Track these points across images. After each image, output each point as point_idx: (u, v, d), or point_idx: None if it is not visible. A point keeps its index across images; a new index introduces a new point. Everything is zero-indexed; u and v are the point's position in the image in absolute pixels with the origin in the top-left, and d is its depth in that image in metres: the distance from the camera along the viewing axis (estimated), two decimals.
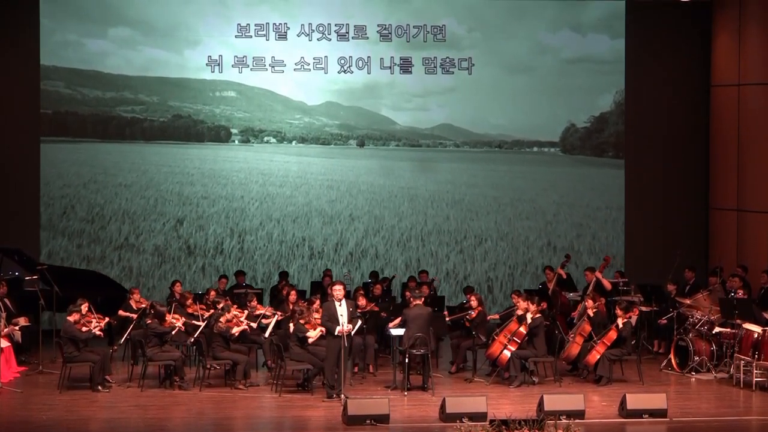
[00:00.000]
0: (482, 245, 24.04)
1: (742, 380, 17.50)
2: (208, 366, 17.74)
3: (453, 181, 24.17)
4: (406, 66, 23.45)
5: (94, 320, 17.79)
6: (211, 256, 23.58)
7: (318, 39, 23.27)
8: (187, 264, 23.35)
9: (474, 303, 18.60)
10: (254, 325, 18.60)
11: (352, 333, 17.02)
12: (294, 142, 23.78)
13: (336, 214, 23.90)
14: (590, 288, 19.35)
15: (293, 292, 19.34)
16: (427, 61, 23.48)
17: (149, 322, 17.74)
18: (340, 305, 16.71)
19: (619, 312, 18.00)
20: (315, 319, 17.44)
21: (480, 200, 24.17)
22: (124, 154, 23.54)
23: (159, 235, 23.53)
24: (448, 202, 24.16)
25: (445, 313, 19.28)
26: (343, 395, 16.27)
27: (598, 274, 19.61)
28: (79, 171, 23.41)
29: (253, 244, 23.64)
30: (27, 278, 20.02)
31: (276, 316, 18.86)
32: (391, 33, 23.36)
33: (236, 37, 23.16)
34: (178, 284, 20.08)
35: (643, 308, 19.93)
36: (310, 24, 23.24)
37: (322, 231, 23.76)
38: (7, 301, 19.09)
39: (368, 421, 15.04)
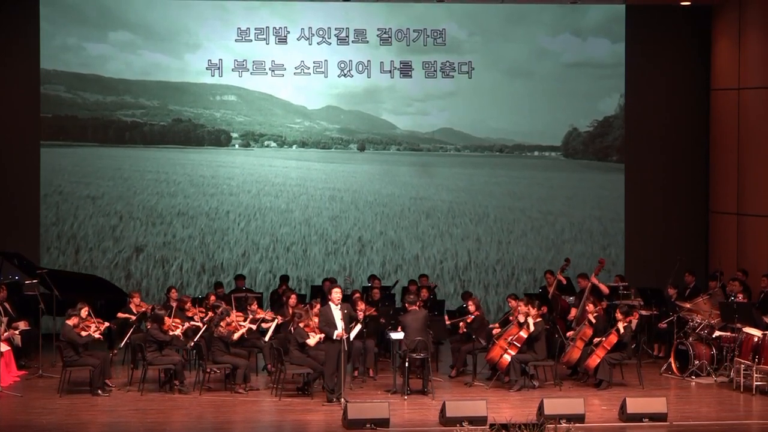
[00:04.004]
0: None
1: (742, 384, 17.49)
2: (208, 370, 17.75)
3: (467, 189, 23.67)
4: (406, 70, 23.45)
5: (93, 324, 17.80)
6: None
7: (318, 43, 23.27)
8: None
9: (472, 308, 18.61)
10: (254, 327, 18.58)
11: (352, 337, 17.03)
12: (294, 147, 23.74)
13: (341, 237, 22.76)
14: (585, 293, 19.29)
15: (293, 296, 19.34)
16: (427, 65, 23.47)
17: (149, 326, 17.75)
18: (338, 309, 16.73)
19: (619, 316, 17.99)
20: (314, 322, 17.45)
21: (507, 215, 23.43)
22: (114, 158, 23.08)
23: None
24: (472, 217, 23.24)
25: (446, 318, 19.27)
26: (343, 399, 16.26)
27: (594, 279, 19.58)
28: (51, 179, 22.64)
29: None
30: (27, 282, 20.03)
31: (276, 320, 18.86)
32: (391, 37, 23.36)
33: (236, 41, 23.16)
34: (173, 290, 19.96)
35: (644, 312, 19.92)
36: (310, 28, 23.23)
37: (325, 266, 22.58)
38: (7, 305, 19.10)
39: (368, 425, 15.04)
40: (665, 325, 19.74)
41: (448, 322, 19.06)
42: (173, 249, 22.68)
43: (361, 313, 18.23)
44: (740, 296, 19.15)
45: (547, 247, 23.36)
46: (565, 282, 20.47)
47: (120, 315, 19.37)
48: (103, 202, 22.85)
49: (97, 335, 17.69)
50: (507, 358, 17.73)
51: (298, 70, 23.30)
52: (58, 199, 22.85)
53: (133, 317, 19.12)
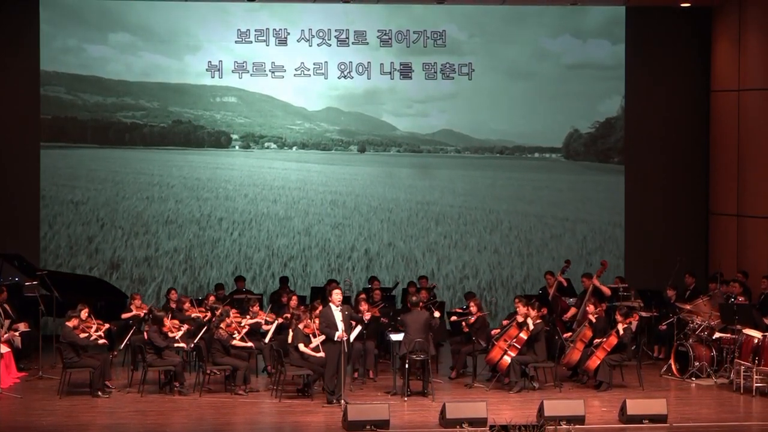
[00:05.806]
0: None
1: (742, 385, 17.49)
2: (208, 371, 17.74)
3: (473, 192, 23.45)
4: (406, 71, 23.45)
5: (94, 325, 17.80)
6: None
7: (318, 44, 23.27)
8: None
9: (473, 309, 18.61)
10: (261, 322, 18.51)
11: (352, 338, 17.03)
12: (294, 148, 23.72)
13: (345, 249, 22.13)
14: (588, 294, 19.31)
15: (294, 298, 19.33)
16: (427, 67, 23.46)
17: (147, 329, 17.73)
18: (338, 311, 16.73)
19: (619, 317, 17.99)
20: (313, 323, 17.43)
21: (521, 221, 23.08)
22: (110, 160, 22.85)
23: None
24: (485, 225, 22.67)
25: (452, 318, 19.23)
26: (343, 400, 16.26)
27: (596, 281, 19.58)
28: (40, 182, 22.13)
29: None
30: (27, 284, 20.04)
31: (276, 321, 18.85)
32: (391, 38, 23.35)
33: (236, 42, 23.16)
34: (173, 291, 19.95)
35: (644, 314, 19.91)
36: (310, 29, 23.23)
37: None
38: (7, 306, 19.10)
39: (368, 427, 15.03)
40: (665, 327, 19.74)
41: (452, 319, 19.05)
42: (153, 266, 22.12)
43: (368, 314, 18.23)
44: (740, 298, 19.16)
45: (574, 259, 22.02)
46: (565, 284, 20.48)
47: (124, 316, 19.38)
48: (86, 208, 22.39)
49: (101, 342, 17.70)
50: (507, 359, 17.74)
51: (298, 72, 23.30)
52: (39, 204, 22.55)
53: (142, 314, 19.13)
